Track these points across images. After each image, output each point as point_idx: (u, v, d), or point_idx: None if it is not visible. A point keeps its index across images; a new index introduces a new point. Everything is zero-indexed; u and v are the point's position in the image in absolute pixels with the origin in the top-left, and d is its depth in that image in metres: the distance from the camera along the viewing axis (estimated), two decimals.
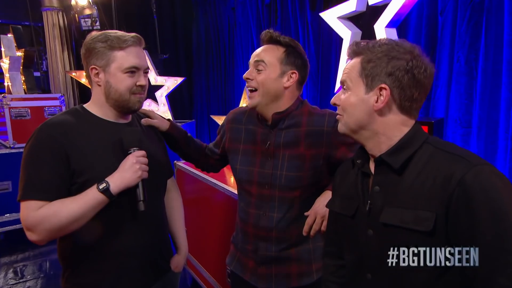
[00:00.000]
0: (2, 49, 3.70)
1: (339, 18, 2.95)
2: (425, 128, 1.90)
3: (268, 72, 1.30)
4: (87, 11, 3.87)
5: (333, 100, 1.01)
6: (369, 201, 0.96)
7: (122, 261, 1.22)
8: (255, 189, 1.37)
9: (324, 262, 1.20)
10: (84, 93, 4.63)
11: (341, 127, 1.01)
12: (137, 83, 1.21)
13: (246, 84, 1.36)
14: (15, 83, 3.48)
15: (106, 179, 1.13)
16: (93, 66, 1.20)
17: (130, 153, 1.18)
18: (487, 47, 2.27)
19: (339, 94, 1.00)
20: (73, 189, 1.15)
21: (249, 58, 1.39)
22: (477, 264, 0.78)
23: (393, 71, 0.89)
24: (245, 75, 1.34)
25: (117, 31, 1.23)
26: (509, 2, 2.14)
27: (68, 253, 1.22)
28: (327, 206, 1.16)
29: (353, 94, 0.95)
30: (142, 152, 1.19)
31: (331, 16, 2.99)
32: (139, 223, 1.23)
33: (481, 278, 0.79)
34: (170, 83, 3.90)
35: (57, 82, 4.52)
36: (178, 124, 1.61)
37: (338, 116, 1.01)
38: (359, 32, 2.88)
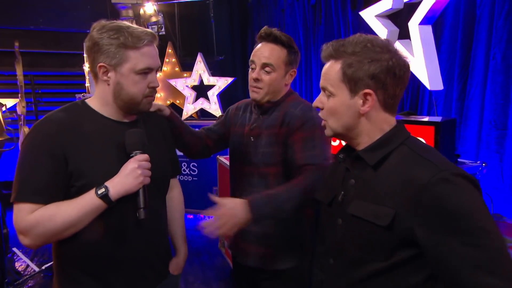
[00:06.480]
0: (84, 54, 4.60)
1: (377, 16, 3.07)
2: (430, 130, 2.00)
3: (275, 74, 1.49)
4: (153, 19, 4.57)
5: (315, 103, 1.06)
6: (342, 192, 1.06)
7: (119, 268, 1.19)
8: (239, 167, 1.60)
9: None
10: None
11: (328, 132, 1.06)
12: (150, 85, 1.18)
13: (253, 84, 1.53)
14: (92, 84, 4.33)
15: (105, 183, 1.09)
16: (101, 64, 1.13)
17: (133, 156, 1.15)
18: None
19: (321, 98, 1.04)
20: (71, 191, 1.11)
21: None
22: (439, 261, 0.85)
23: (376, 73, 0.93)
24: (255, 76, 1.50)
25: (129, 25, 1.16)
26: None
27: (62, 258, 1.20)
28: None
29: (338, 99, 0.99)
30: (145, 156, 1.15)
31: (369, 15, 3.11)
32: (139, 230, 1.20)
33: (446, 274, 0.85)
34: (221, 83, 4.39)
35: None
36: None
37: (323, 122, 1.06)
38: (396, 30, 2.96)
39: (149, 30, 1.17)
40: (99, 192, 1.07)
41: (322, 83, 1.02)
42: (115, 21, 1.17)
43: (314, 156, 1.42)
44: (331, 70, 0.99)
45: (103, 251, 1.16)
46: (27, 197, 1.06)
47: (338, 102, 0.99)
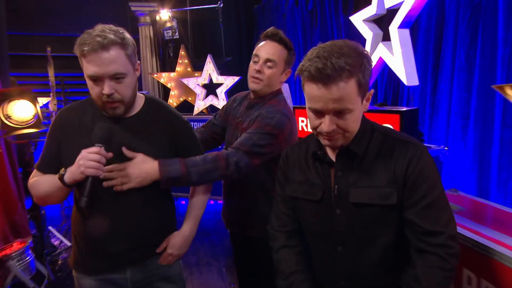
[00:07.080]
0: None
1: (364, 21, 3.44)
2: (396, 118, 2.37)
3: (275, 70, 1.63)
4: (168, 24, 5.05)
5: (329, 129, 0.98)
6: (336, 186, 1.09)
7: (97, 247, 1.35)
8: None
9: (273, 235, 1.29)
10: (165, 91, 5.91)
11: (340, 143, 1.04)
12: (102, 92, 1.19)
13: (254, 74, 1.63)
14: None
15: (67, 168, 1.25)
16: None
17: None
18: (484, 45, 2.57)
19: (332, 121, 0.98)
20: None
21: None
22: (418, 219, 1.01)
23: (370, 71, 1.00)
24: (257, 68, 1.61)
25: (97, 27, 1.18)
26: (503, 2, 2.43)
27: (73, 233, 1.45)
28: (286, 191, 1.23)
29: (356, 111, 0.99)
30: (94, 149, 1.20)
31: (357, 19, 3.48)
32: (99, 217, 1.30)
33: (420, 230, 1.00)
34: (229, 81, 4.84)
35: (147, 83, 5.89)
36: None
37: (336, 136, 1.02)
38: (380, 33, 3.32)
39: (102, 37, 1.14)
40: (60, 173, 1.25)
41: (337, 106, 0.96)
42: (99, 26, 1.20)
43: (248, 139, 1.51)
44: (347, 89, 0.94)
45: (82, 224, 1.35)
46: (37, 166, 1.36)
47: (357, 114, 1.00)
